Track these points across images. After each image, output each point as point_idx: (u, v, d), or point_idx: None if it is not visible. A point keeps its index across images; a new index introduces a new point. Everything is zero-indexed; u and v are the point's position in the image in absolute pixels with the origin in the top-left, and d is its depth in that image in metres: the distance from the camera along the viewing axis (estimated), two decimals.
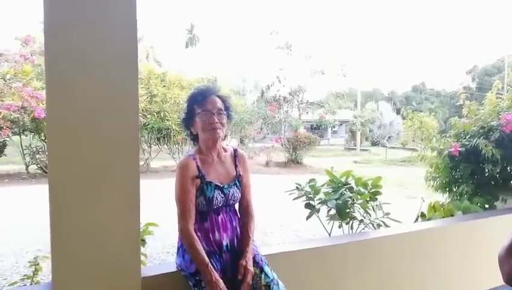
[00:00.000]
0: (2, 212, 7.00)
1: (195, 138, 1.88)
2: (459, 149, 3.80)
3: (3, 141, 11.29)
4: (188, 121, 1.86)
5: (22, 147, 11.51)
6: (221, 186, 1.81)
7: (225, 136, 1.91)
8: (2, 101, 9.43)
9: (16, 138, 11.39)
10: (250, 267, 1.73)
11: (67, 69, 1.51)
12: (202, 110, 1.78)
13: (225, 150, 1.92)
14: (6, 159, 12.38)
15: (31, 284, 2.17)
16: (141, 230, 2.33)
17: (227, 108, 1.85)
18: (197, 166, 1.77)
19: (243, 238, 1.84)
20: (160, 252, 5.02)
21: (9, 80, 10.12)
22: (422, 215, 3.66)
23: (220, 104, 1.82)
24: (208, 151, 1.84)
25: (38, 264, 2.18)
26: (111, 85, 1.58)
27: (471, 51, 64.85)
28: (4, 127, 9.78)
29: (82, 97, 1.53)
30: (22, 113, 9.68)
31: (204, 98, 1.80)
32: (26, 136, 11.51)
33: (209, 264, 1.66)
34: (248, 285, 1.70)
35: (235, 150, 1.95)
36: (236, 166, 1.90)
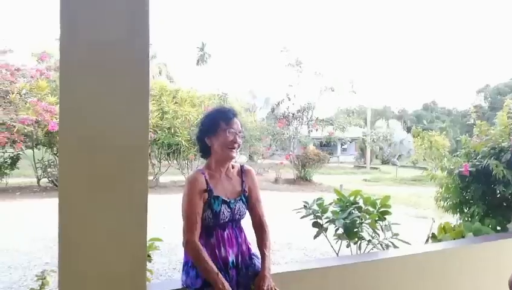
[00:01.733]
0: (12, 225, 7.08)
1: (206, 150, 1.90)
2: (470, 169, 3.76)
3: (17, 154, 11.50)
4: (207, 132, 1.87)
5: (34, 160, 11.68)
6: (228, 201, 1.84)
7: None
8: (17, 115, 9.65)
9: (29, 152, 11.58)
10: (265, 287, 1.74)
11: (81, 85, 1.55)
12: (230, 128, 1.83)
13: (233, 167, 1.96)
14: (19, 172, 12.56)
15: None
16: (147, 245, 2.33)
17: (241, 131, 1.92)
18: (206, 180, 1.81)
19: (260, 256, 1.87)
20: (167, 268, 5.00)
21: (24, 94, 10.38)
22: (433, 236, 3.60)
23: (240, 126, 1.89)
24: (217, 167, 1.88)
25: (45, 278, 2.20)
26: (122, 102, 1.62)
27: (483, 69, 64.52)
28: (18, 141, 9.98)
29: (94, 113, 1.57)
30: (36, 127, 9.87)
31: (233, 117, 1.87)
32: (39, 149, 11.70)
33: (219, 273, 1.67)
34: None
35: (242, 166, 1.99)
36: (243, 182, 1.93)
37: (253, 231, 1.98)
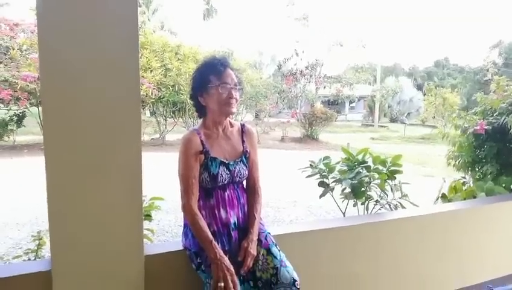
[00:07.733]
0: (20, 182, 7.15)
1: (201, 110, 1.75)
2: (485, 127, 3.58)
3: (23, 112, 11.44)
4: (199, 89, 1.71)
5: (40, 118, 11.64)
6: (227, 162, 1.71)
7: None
8: (18, 72, 9.47)
9: (34, 109, 11.53)
10: (252, 250, 1.65)
11: (62, 41, 1.42)
12: (221, 83, 1.66)
13: (232, 125, 1.81)
14: (26, 130, 12.59)
15: (34, 258, 2.16)
16: (147, 205, 2.27)
17: (240, 83, 1.74)
18: (201, 141, 1.68)
19: (248, 218, 1.75)
20: (173, 225, 5.04)
21: (25, 50, 10.13)
22: (443, 196, 3.50)
23: (235, 78, 1.71)
24: (214, 126, 1.73)
25: (41, 238, 2.15)
26: (110, 58, 1.48)
27: (498, 24, 61.68)
28: (22, 98, 9.88)
29: (78, 71, 1.44)
30: (39, 84, 9.72)
31: (225, 69, 1.68)
32: None
33: (213, 241, 1.59)
34: (248, 268, 1.63)
35: (243, 125, 1.84)
36: (243, 142, 1.79)
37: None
